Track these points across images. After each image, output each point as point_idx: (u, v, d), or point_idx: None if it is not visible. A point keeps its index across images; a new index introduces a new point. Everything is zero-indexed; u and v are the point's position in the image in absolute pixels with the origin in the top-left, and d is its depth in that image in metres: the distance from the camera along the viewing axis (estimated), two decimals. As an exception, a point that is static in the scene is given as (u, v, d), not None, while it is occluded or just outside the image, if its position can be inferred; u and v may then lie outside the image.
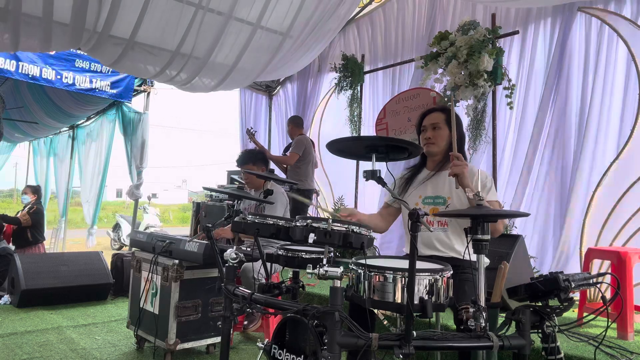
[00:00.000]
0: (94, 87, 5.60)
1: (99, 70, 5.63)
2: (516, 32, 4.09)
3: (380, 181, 1.69)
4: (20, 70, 5.08)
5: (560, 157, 3.97)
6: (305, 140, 5.40)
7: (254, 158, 3.65)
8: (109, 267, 4.96)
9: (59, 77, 5.33)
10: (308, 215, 5.38)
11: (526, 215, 1.76)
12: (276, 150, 6.86)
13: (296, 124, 5.66)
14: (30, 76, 5.16)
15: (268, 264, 2.30)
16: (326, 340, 1.48)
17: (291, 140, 5.57)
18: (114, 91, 5.81)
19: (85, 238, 7.87)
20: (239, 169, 3.75)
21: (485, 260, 2.04)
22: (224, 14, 3.84)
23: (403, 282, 1.51)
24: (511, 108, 4.02)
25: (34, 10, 3.34)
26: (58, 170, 9.06)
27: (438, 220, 2.24)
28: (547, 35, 4.14)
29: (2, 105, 2.55)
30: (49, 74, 5.27)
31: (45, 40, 3.52)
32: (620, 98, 3.68)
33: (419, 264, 1.64)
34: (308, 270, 1.59)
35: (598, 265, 3.47)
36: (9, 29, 3.34)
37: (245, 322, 3.61)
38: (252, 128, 5.77)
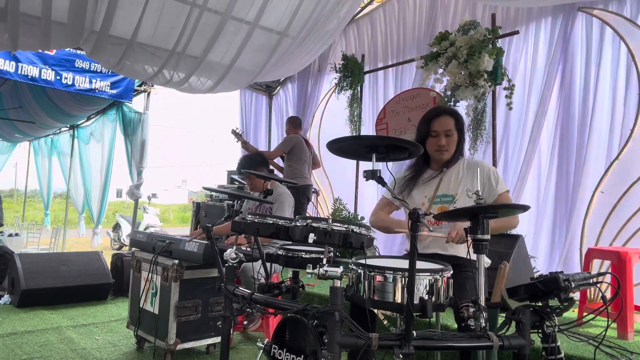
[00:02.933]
0: (93, 87, 5.59)
1: (98, 71, 5.63)
2: (516, 32, 4.09)
3: (381, 181, 1.68)
4: (19, 72, 5.07)
5: (561, 157, 3.97)
6: (294, 139, 5.41)
7: (253, 162, 3.64)
8: (109, 267, 4.96)
9: (58, 77, 5.32)
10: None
11: (526, 208, 1.73)
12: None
13: (294, 124, 5.66)
14: (29, 77, 5.15)
15: (268, 264, 2.30)
16: (326, 340, 1.48)
17: None
18: (114, 91, 5.80)
19: (90, 238, 7.88)
20: (241, 174, 3.77)
21: (487, 260, 2.05)
22: (221, 13, 3.84)
23: (403, 282, 1.51)
24: (510, 109, 4.02)
25: (33, 10, 3.35)
26: (66, 169, 9.02)
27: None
28: (547, 35, 4.14)
29: None
30: (49, 74, 5.26)
31: (44, 39, 3.52)
32: (620, 98, 3.67)
33: (419, 264, 1.64)
34: (308, 270, 1.59)
35: (598, 265, 3.47)
36: (8, 28, 3.34)
37: (245, 322, 3.61)
38: (237, 128, 5.74)
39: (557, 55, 3.99)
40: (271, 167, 5.57)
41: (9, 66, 5.00)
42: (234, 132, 5.67)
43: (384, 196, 2.46)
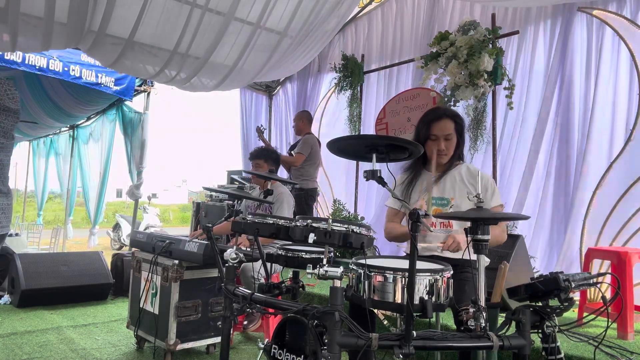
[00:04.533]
0: (99, 82, 5.56)
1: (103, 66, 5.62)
2: (516, 32, 4.09)
3: (381, 181, 1.68)
4: (27, 62, 4.96)
5: (561, 157, 3.97)
6: (312, 140, 5.24)
7: (265, 155, 3.66)
8: (109, 267, 4.96)
9: (66, 69, 5.25)
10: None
11: (526, 218, 1.75)
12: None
13: (308, 120, 5.46)
14: (37, 67, 5.04)
15: (268, 264, 2.30)
16: (326, 340, 1.48)
17: (298, 137, 5.43)
18: (117, 88, 5.78)
19: (87, 238, 7.88)
20: (250, 160, 3.76)
21: (485, 259, 2.04)
22: (224, 14, 3.84)
23: (403, 282, 1.51)
24: (511, 108, 4.02)
25: (33, 10, 3.34)
26: (61, 170, 9.03)
27: (441, 222, 2.23)
28: (547, 35, 4.14)
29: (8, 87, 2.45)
30: (57, 65, 5.17)
31: (44, 40, 3.51)
32: (620, 98, 3.68)
33: (419, 264, 1.64)
34: (308, 270, 1.59)
35: (598, 265, 3.47)
36: (8, 29, 3.34)
37: (245, 322, 3.61)
38: (262, 125, 5.61)
39: (557, 55, 4.00)
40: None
41: (16, 56, 4.90)
42: (258, 129, 5.52)
43: (388, 207, 2.45)
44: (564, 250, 3.76)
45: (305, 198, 5.12)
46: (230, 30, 3.99)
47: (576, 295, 2.76)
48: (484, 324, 1.49)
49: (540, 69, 4.16)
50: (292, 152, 5.45)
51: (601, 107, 3.73)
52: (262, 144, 5.56)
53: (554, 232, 3.95)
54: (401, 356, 1.41)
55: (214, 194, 5.85)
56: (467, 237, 1.59)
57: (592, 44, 3.84)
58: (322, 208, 6.16)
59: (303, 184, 5.11)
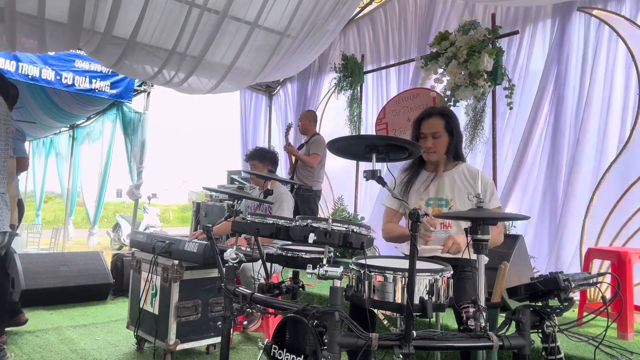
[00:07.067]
0: (93, 87, 5.59)
1: (98, 71, 5.63)
2: (516, 32, 4.09)
3: (381, 181, 1.68)
4: (20, 71, 5.06)
5: (561, 157, 3.96)
6: (322, 139, 5.08)
7: (261, 156, 3.63)
8: (109, 267, 4.96)
9: (58, 77, 5.31)
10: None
11: (526, 218, 1.76)
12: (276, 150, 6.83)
13: (315, 120, 5.33)
14: (30, 77, 5.13)
15: (268, 264, 2.30)
16: (326, 340, 1.48)
17: (305, 137, 5.26)
18: (114, 91, 5.80)
19: (87, 238, 7.88)
20: (246, 162, 3.72)
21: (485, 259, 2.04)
22: (220, 12, 3.85)
23: (403, 282, 1.51)
24: (511, 108, 4.02)
25: (31, 10, 3.34)
26: (61, 170, 9.04)
27: (441, 222, 2.23)
28: (546, 35, 4.14)
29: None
30: (49, 74, 5.25)
31: (42, 40, 3.51)
32: (619, 98, 3.67)
33: (419, 264, 1.64)
34: (308, 270, 1.59)
35: (598, 265, 3.47)
36: (6, 29, 3.34)
37: (245, 322, 3.61)
38: (291, 124, 5.34)
39: (556, 55, 3.99)
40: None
41: (9, 65, 4.99)
42: (289, 126, 5.22)
43: (387, 207, 2.45)
44: (564, 250, 3.76)
45: (314, 199, 5.06)
46: (228, 29, 3.99)
47: (576, 295, 2.76)
48: (484, 324, 1.49)
49: (539, 69, 4.15)
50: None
51: (600, 106, 3.73)
52: (258, 144, 5.51)
53: (554, 232, 3.94)
54: (401, 356, 1.41)
55: (214, 194, 5.85)
56: (467, 237, 1.59)
57: (591, 43, 3.84)
58: (323, 208, 6.16)
59: (314, 185, 5.01)
